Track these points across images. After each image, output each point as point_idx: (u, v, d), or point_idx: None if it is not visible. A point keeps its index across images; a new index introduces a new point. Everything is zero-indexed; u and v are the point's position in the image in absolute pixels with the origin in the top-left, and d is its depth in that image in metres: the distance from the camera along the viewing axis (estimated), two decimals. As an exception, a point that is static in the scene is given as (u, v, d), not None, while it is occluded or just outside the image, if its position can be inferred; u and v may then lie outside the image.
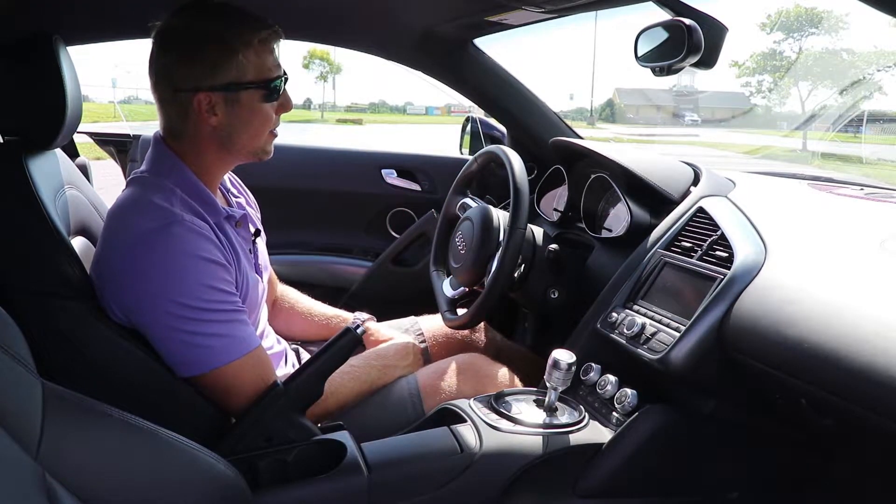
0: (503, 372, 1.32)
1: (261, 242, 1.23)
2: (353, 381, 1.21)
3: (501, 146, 1.50)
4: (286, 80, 1.06)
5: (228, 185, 1.21)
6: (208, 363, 0.95)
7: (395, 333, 1.43)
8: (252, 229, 1.17)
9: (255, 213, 1.27)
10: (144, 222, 0.94)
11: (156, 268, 0.92)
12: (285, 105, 1.07)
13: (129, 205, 0.99)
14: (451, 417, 1.11)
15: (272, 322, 1.36)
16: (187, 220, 0.95)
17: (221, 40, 0.97)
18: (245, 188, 1.30)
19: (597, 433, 1.09)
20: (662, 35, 1.17)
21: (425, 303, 1.62)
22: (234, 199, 1.19)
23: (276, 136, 1.10)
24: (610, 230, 1.50)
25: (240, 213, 1.11)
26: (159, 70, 1.01)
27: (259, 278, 1.16)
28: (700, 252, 1.16)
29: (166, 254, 0.92)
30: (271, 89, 1.02)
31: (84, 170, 1.58)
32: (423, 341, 1.51)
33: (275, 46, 1.04)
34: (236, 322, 0.98)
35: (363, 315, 1.29)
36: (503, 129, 2.13)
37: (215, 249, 0.97)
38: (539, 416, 1.10)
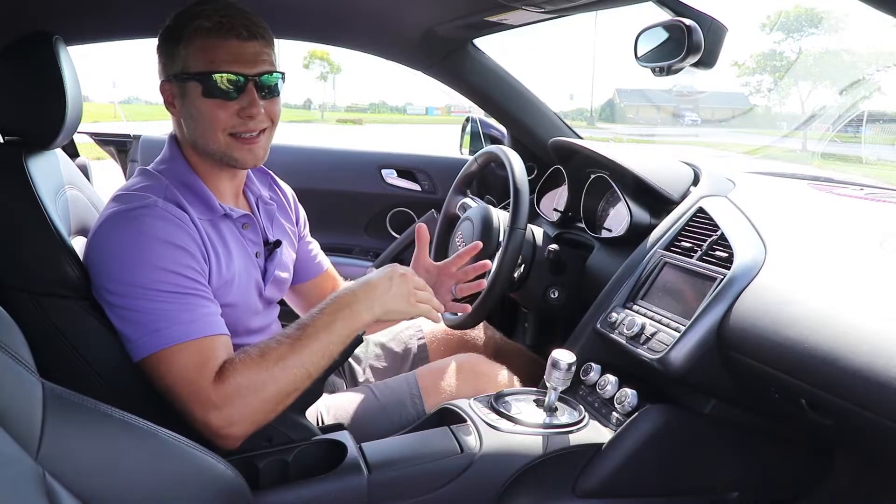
0: (503, 372, 1.32)
1: (282, 251, 1.17)
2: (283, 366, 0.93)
3: (501, 146, 1.50)
4: (247, 81, 0.97)
5: (258, 186, 1.18)
6: (155, 344, 0.90)
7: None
8: (269, 237, 1.14)
9: (288, 221, 1.24)
10: (118, 206, 0.96)
11: (118, 248, 0.92)
12: (247, 108, 0.98)
13: (117, 194, 1.01)
14: (451, 417, 1.11)
15: None
16: (160, 206, 0.95)
17: (173, 29, 0.99)
18: (284, 192, 1.27)
19: (597, 433, 1.09)
20: (662, 35, 1.17)
21: (425, 303, 1.62)
22: (264, 205, 1.16)
23: (247, 141, 1.01)
24: (610, 230, 1.50)
25: (240, 212, 1.09)
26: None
27: (261, 283, 1.13)
28: (700, 252, 1.16)
29: (128, 234, 0.92)
30: (210, 84, 0.96)
31: (84, 170, 1.58)
32: (423, 340, 1.51)
33: (233, 41, 0.96)
34: (190, 305, 0.93)
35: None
36: (503, 129, 2.14)
37: (184, 236, 0.95)
38: (539, 416, 1.10)
